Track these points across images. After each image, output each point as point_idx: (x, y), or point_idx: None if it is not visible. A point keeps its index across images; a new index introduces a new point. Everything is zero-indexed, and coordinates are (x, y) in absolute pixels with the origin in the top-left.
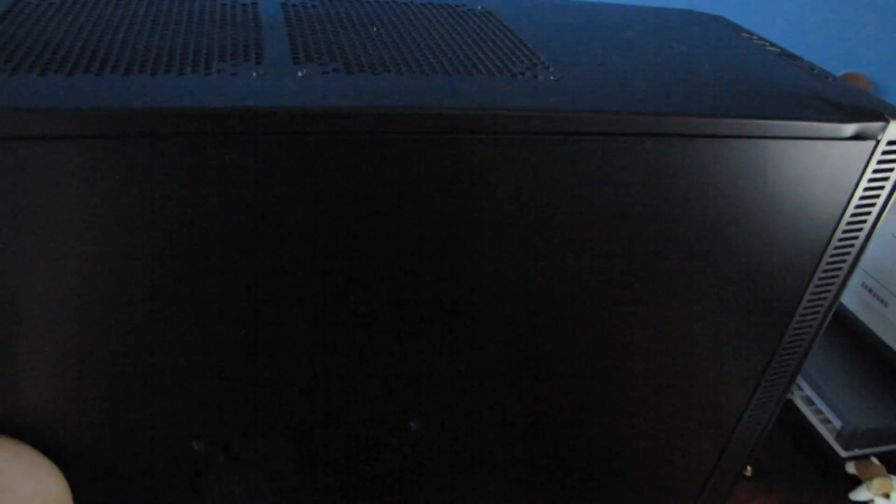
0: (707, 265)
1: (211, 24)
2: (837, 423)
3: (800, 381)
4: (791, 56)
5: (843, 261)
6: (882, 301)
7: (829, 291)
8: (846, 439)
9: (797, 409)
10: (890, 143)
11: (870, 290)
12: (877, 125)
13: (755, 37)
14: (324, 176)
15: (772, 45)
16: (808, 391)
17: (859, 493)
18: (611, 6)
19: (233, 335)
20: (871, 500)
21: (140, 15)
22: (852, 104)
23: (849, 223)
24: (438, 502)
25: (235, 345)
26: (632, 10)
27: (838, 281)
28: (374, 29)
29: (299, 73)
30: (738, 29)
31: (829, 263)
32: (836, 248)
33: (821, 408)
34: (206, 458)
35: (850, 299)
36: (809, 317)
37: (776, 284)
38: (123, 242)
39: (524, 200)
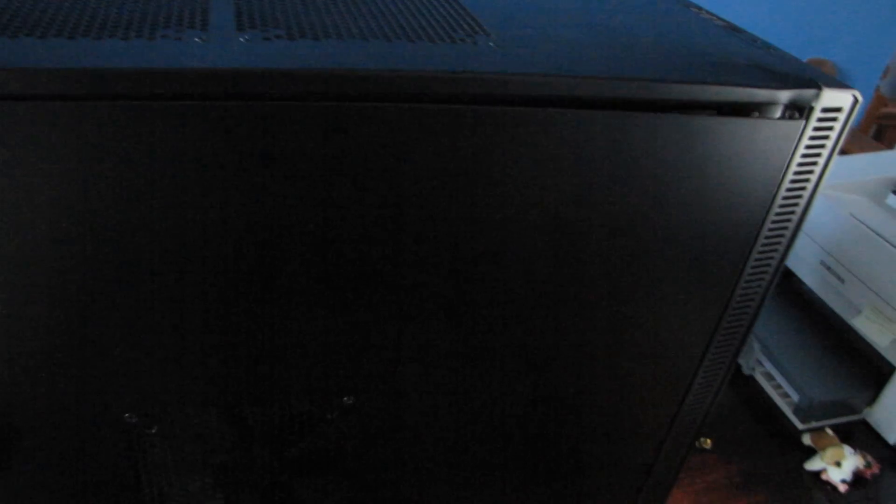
0: (646, 235)
1: None
2: (795, 397)
3: (761, 357)
4: (736, 29)
5: (785, 227)
6: (840, 278)
7: (772, 258)
8: (803, 412)
9: (758, 384)
10: (824, 110)
11: (828, 268)
12: (810, 92)
13: (703, 11)
14: (261, 140)
15: (719, 19)
16: (769, 367)
17: (813, 463)
18: None
19: (166, 307)
20: (824, 469)
21: None
22: (789, 72)
23: (788, 190)
24: (374, 479)
25: (168, 316)
26: None
27: (781, 247)
28: None
29: (241, 39)
30: (686, 3)
31: (770, 230)
32: (778, 213)
33: (780, 382)
34: (138, 430)
35: (810, 277)
36: (754, 283)
37: (718, 252)
38: (57, 206)
39: (450, 169)
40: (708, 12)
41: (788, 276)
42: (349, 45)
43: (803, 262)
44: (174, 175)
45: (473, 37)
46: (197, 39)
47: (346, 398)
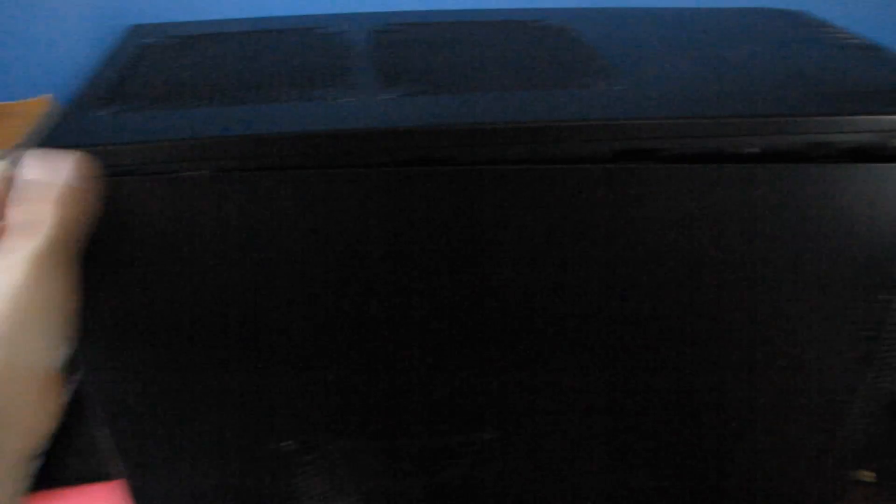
0: (800, 262)
1: (306, 55)
2: None
3: None
4: (874, 48)
5: None
6: None
7: None
8: None
9: None
10: None
11: None
12: None
13: (836, 30)
14: (415, 194)
15: (854, 37)
16: None
17: None
18: (683, 11)
19: (335, 346)
20: None
21: (247, 49)
22: None
23: None
24: None
25: (336, 354)
26: (703, 14)
27: None
28: (456, 50)
29: (388, 97)
30: (817, 23)
31: None
32: None
33: None
34: (296, 457)
35: None
36: None
37: (875, 272)
38: (224, 252)
39: (593, 212)
40: (841, 30)
41: None
42: (487, 97)
43: None
44: (352, 229)
45: (607, 79)
46: (347, 99)
47: (489, 432)
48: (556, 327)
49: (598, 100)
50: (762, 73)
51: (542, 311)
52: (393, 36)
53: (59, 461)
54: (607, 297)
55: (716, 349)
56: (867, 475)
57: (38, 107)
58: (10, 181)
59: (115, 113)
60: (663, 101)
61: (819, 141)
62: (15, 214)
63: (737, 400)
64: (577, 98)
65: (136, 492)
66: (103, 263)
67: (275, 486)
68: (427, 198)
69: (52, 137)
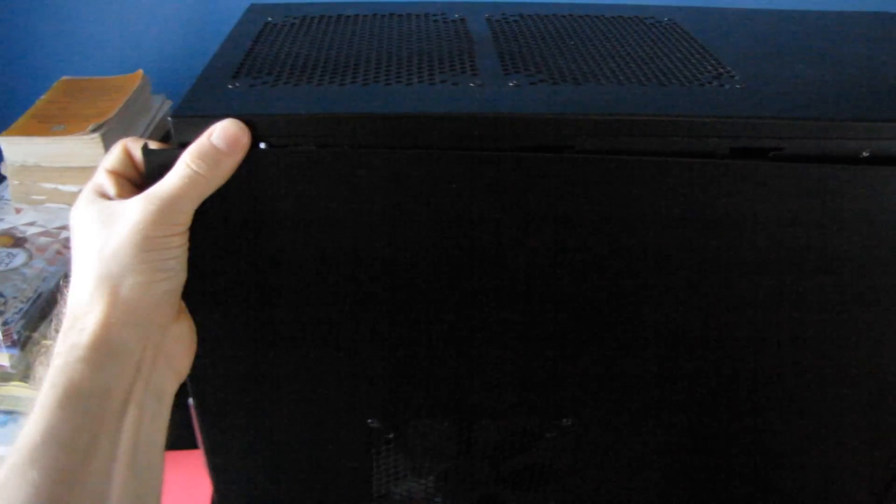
0: (888, 270)
1: (428, 38)
2: None
3: None
4: None
5: None
6: None
7: None
8: None
9: None
10: None
11: None
12: None
13: None
14: (535, 178)
15: None
16: None
17: None
18: (799, 13)
19: (422, 328)
20: None
21: (366, 31)
22: None
23: None
24: (584, 498)
25: (422, 337)
26: (821, 16)
27: None
28: (572, 42)
29: (511, 84)
30: None
31: None
32: None
33: None
34: (379, 435)
35: None
36: None
37: None
38: (334, 234)
39: (706, 207)
40: None
41: None
42: (609, 90)
43: None
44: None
45: (720, 78)
46: (471, 84)
47: (565, 419)
48: (648, 323)
49: (714, 97)
50: (878, 78)
51: (638, 305)
52: (510, 25)
53: None
54: (707, 295)
55: (806, 354)
56: None
57: (130, 82)
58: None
59: (244, 86)
60: (777, 101)
61: None
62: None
63: (811, 411)
64: (692, 94)
65: (216, 463)
66: (215, 226)
67: (355, 462)
68: (542, 184)
69: (185, 107)
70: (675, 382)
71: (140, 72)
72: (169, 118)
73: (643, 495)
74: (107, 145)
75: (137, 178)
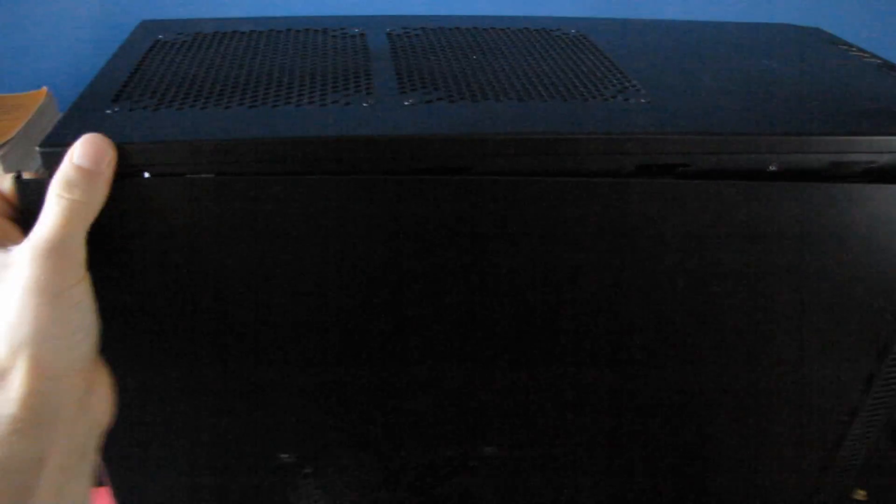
0: (796, 283)
1: (324, 56)
2: None
3: None
4: (892, 67)
5: None
6: None
7: None
8: None
9: None
10: None
11: None
12: None
13: (853, 48)
14: (429, 202)
15: (872, 56)
16: None
17: None
18: (702, 24)
19: (334, 359)
20: None
21: (259, 49)
22: None
23: None
24: None
25: (334, 368)
26: (723, 28)
27: None
28: (475, 57)
29: (406, 103)
30: (835, 41)
31: None
32: None
33: None
34: (294, 469)
35: None
36: None
37: (884, 292)
38: (230, 265)
39: (613, 226)
40: (858, 49)
41: None
42: (508, 107)
43: None
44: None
45: (625, 92)
46: (364, 104)
47: (489, 447)
48: (564, 341)
49: (619, 112)
50: (782, 90)
51: (551, 325)
52: (411, 40)
53: None
54: (619, 311)
55: (723, 363)
56: (860, 494)
57: (33, 100)
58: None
59: (123, 110)
60: (684, 116)
61: (838, 160)
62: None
63: (739, 415)
64: (596, 110)
65: (124, 499)
66: (105, 261)
67: (272, 498)
68: (439, 208)
69: (58, 135)
70: (595, 402)
71: (44, 89)
72: (36, 148)
73: None
74: (7, 168)
75: (14, 214)
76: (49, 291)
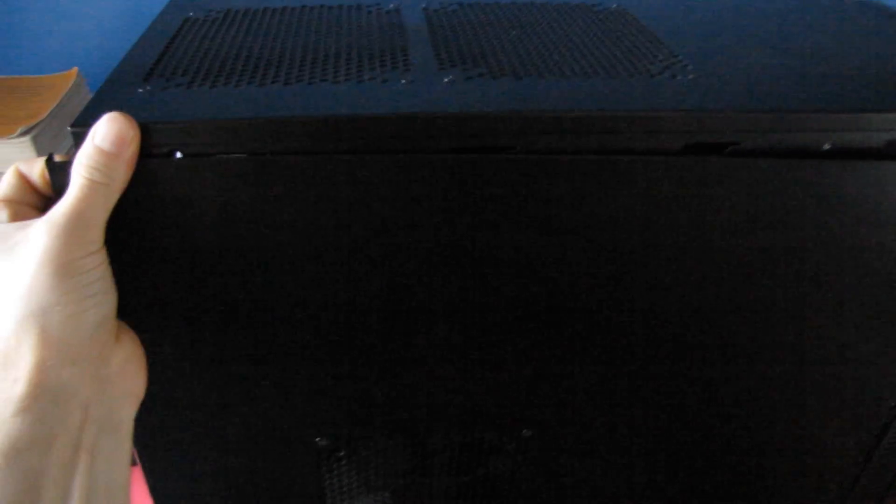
0: (848, 265)
1: (359, 32)
2: None
3: None
4: None
5: None
6: None
7: None
8: None
9: None
10: None
11: None
12: None
13: None
14: (471, 182)
15: None
16: None
17: None
18: None
19: (367, 342)
20: None
21: (293, 25)
22: None
23: None
24: None
25: (367, 349)
26: (773, 1)
27: None
28: (514, 32)
29: (445, 80)
30: (892, 13)
31: None
32: None
33: None
34: (328, 453)
35: None
36: None
37: None
38: (264, 247)
39: (659, 206)
40: None
41: None
42: (552, 84)
43: None
44: (391, 218)
45: (671, 68)
46: (403, 81)
47: (525, 430)
48: (604, 324)
49: (665, 89)
50: (835, 65)
51: (593, 306)
52: (448, 16)
53: None
54: (665, 294)
55: (772, 348)
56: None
57: (64, 81)
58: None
59: (154, 90)
60: (733, 94)
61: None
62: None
63: (785, 400)
64: (642, 87)
65: (156, 483)
66: (135, 241)
67: (305, 482)
68: (481, 187)
69: (88, 115)
70: (634, 386)
71: (75, 70)
72: (68, 128)
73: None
74: (38, 149)
75: (39, 202)
76: (59, 262)
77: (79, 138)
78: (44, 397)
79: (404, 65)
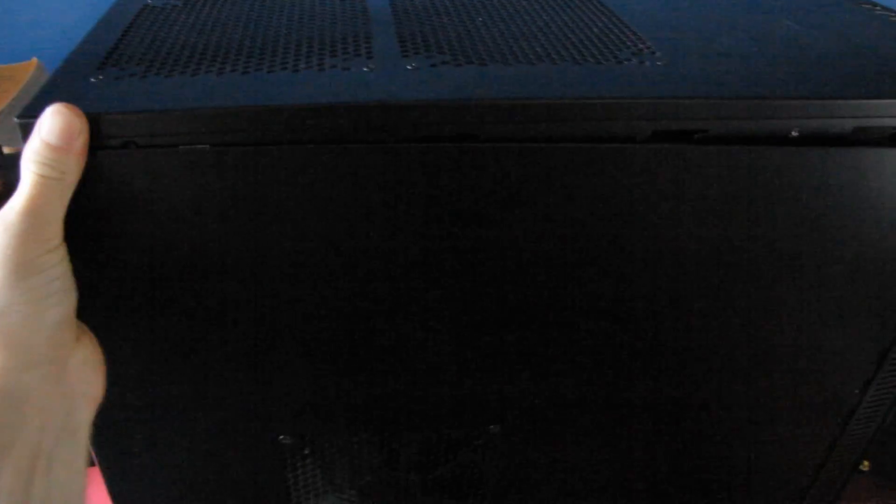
0: (816, 253)
1: (322, 19)
2: None
3: None
4: None
5: None
6: None
7: None
8: None
9: None
10: None
11: None
12: None
13: (878, 7)
14: (434, 172)
15: None
16: None
17: None
18: None
19: (331, 337)
20: None
21: (254, 12)
22: None
23: None
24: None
25: (331, 346)
26: None
27: None
28: (480, 18)
29: (408, 67)
30: (859, 0)
31: None
32: None
33: None
34: (292, 451)
35: None
36: None
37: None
38: (223, 241)
39: (627, 194)
40: (883, 7)
41: None
42: (517, 71)
43: None
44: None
45: (639, 55)
46: (364, 69)
47: (492, 426)
48: (573, 317)
49: (633, 76)
50: (804, 52)
51: (560, 299)
52: (414, 2)
53: None
54: (632, 284)
55: (739, 333)
56: (864, 465)
57: (23, 71)
58: None
59: (110, 79)
60: (701, 80)
61: (863, 125)
62: None
63: (752, 390)
64: (609, 73)
65: (115, 485)
66: (93, 236)
67: (270, 480)
68: (444, 176)
69: (37, 105)
70: (601, 379)
71: (35, 60)
72: (15, 119)
73: (577, 498)
74: None
75: None
76: (16, 261)
77: (26, 129)
78: (2, 403)
79: (367, 52)
